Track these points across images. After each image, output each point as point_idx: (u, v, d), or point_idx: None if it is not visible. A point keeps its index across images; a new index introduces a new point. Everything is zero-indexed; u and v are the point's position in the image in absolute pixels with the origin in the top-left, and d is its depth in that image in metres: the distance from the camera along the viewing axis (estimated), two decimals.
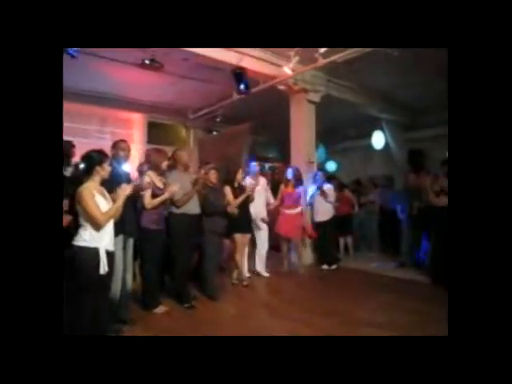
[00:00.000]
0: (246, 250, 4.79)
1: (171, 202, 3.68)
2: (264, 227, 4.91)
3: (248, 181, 4.70)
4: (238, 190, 4.52)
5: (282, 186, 5.12)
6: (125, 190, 2.49)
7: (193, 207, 3.79)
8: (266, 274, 5.01)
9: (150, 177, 3.37)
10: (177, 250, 3.69)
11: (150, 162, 3.58)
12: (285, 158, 7.84)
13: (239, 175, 4.52)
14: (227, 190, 4.33)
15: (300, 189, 5.17)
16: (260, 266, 5.03)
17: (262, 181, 5.06)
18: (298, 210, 5.08)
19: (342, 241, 6.50)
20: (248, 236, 4.57)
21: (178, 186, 3.53)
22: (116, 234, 2.58)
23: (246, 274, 4.85)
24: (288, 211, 5.06)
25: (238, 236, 4.43)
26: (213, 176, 4.05)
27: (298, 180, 5.29)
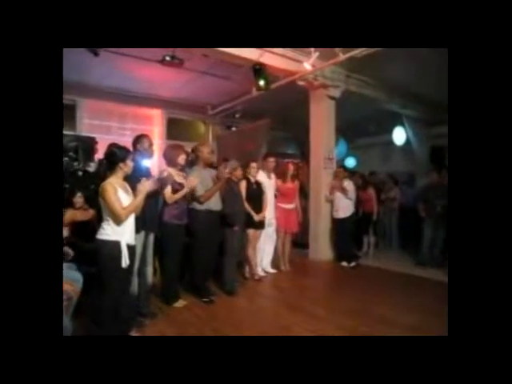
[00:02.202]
0: (259, 244, 4.84)
1: (194, 198, 3.71)
2: (273, 223, 4.96)
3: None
4: (255, 186, 4.59)
5: (280, 182, 5.12)
6: (145, 186, 2.50)
7: (215, 204, 3.81)
8: (272, 270, 5.03)
9: (169, 172, 3.38)
10: (199, 246, 3.71)
11: (166, 158, 3.57)
12: (304, 154, 7.82)
13: (252, 169, 4.58)
14: (242, 184, 4.39)
15: (296, 184, 5.22)
16: (266, 262, 5.05)
17: (273, 178, 5.09)
18: (294, 205, 5.16)
19: (365, 240, 6.40)
20: (261, 232, 4.63)
21: (198, 179, 3.57)
22: (137, 229, 2.59)
23: (259, 269, 4.89)
24: (286, 206, 5.10)
25: (250, 231, 4.47)
26: (238, 173, 4.20)
27: (295, 175, 5.36)
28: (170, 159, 3.60)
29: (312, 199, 6.10)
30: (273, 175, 5.06)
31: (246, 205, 4.39)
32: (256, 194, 4.53)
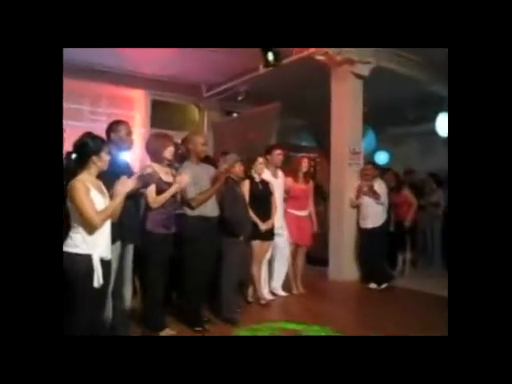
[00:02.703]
0: (266, 260, 4.85)
1: (184, 201, 3.74)
2: (284, 234, 4.96)
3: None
4: (261, 186, 4.62)
5: (290, 181, 5.12)
6: (125, 185, 2.51)
7: (211, 208, 3.83)
8: (283, 293, 5.11)
9: (154, 169, 3.39)
10: (190, 261, 3.73)
11: (150, 151, 3.60)
12: (322, 147, 7.82)
13: (258, 165, 4.62)
14: (245, 185, 4.45)
15: (310, 184, 5.27)
16: (276, 283, 5.13)
17: (281, 177, 5.06)
18: (308, 211, 5.21)
19: (401, 255, 6.37)
20: (268, 244, 4.69)
21: (189, 175, 3.60)
22: (113, 239, 2.61)
23: (266, 291, 4.88)
24: (298, 212, 5.14)
25: (256, 243, 4.51)
26: (239, 170, 4.24)
27: (310, 174, 5.43)
28: (154, 152, 3.61)
29: (332, 204, 6.11)
30: (280, 173, 5.09)
31: (250, 211, 4.41)
32: (262, 197, 4.62)
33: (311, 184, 5.30)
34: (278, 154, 4.96)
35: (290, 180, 5.11)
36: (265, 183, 4.67)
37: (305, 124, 9.41)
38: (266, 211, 4.58)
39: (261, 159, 4.66)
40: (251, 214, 4.40)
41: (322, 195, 6.96)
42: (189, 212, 3.76)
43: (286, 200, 5.12)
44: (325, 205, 6.67)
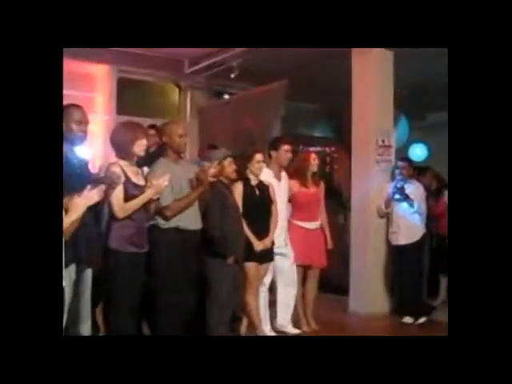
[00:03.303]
0: (265, 288, 4.87)
1: (157, 209, 3.75)
2: (288, 253, 4.99)
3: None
4: (258, 192, 4.66)
5: (296, 185, 5.13)
6: (87, 198, 2.59)
7: (191, 220, 3.87)
8: (293, 331, 5.03)
9: (121, 168, 3.39)
10: (163, 287, 3.76)
11: (115, 144, 3.67)
12: (341, 138, 7.83)
13: (256, 164, 4.64)
14: (237, 189, 4.52)
15: (321, 188, 5.38)
16: (283, 316, 5.06)
17: (285, 179, 5.11)
18: (319, 223, 5.28)
19: (443, 280, 6.33)
20: (267, 266, 4.73)
21: (167, 178, 3.61)
22: (66, 262, 2.60)
23: (266, 327, 4.82)
24: (307, 224, 5.20)
25: (250, 266, 4.51)
26: (230, 169, 4.31)
27: (319, 174, 5.50)
28: (121, 146, 3.64)
29: (355, 213, 6.14)
30: (283, 174, 5.14)
31: (244, 224, 4.45)
32: (260, 205, 4.64)
33: (322, 187, 5.38)
34: (285, 151, 5.02)
35: (294, 183, 5.19)
36: (264, 187, 4.73)
37: (318, 109, 9.40)
38: (264, 224, 4.62)
39: (259, 156, 4.68)
40: (245, 227, 4.42)
41: (340, 201, 6.96)
42: (162, 223, 3.79)
43: (290, 209, 5.19)
44: (344, 214, 6.66)
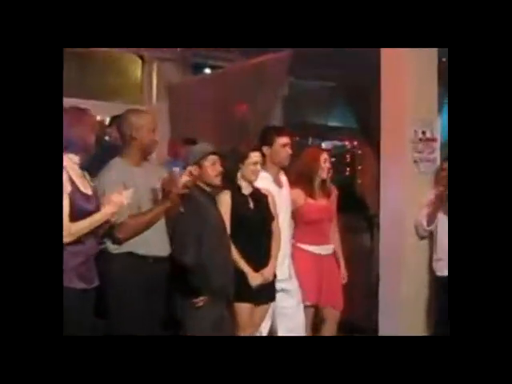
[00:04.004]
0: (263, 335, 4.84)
1: (107, 228, 3.76)
2: (294, 289, 5.02)
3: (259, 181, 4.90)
4: (252, 204, 4.70)
5: (300, 195, 5.11)
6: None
7: (154, 243, 3.91)
8: None
9: (66, 171, 3.46)
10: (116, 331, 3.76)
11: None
12: (366, 128, 7.88)
13: (251, 166, 4.64)
14: (223, 201, 4.59)
15: (333, 198, 5.48)
16: None
17: (286, 185, 5.20)
18: (331, 246, 5.40)
19: None
20: (266, 308, 4.75)
21: (130, 194, 3.60)
22: None
23: None
24: (316, 249, 5.27)
25: (242, 308, 4.53)
26: (213, 172, 4.36)
27: (332, 180, 5.57)
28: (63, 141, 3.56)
29: (384, 232, 6.09)
30: (284, 179, 5.23)
31: (233, 249, 4.48)
32: (254, 223, 4.69)
33: (334, 197, 5.48)
34: (282, 146, 5.01)
35: (298, 192, 5.25)
36: (260, 197, 4.78)
37: (335, 89, 9.30)
38: (261, 248, 4.67)
39: (255, 155, 4.70)
40: (234, 253, 4.45)
41: (364, 216, 6.93)
42: (112, 248, 3.83)
43: (292, 227, 5.27)
44: (371, 234, 6.64)
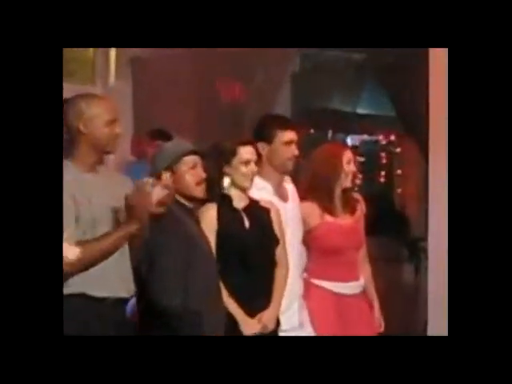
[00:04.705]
0: None
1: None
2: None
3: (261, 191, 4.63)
4: (247, 223, 4.45)
5: (314, 210, 4.92)
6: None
7: (112, 280, 3.77)
8: None
9: None
10: None
11: None
12: (407, 117, 7.73)
13: (242, 168, 4.40)
14: (209, 216, 4.44)
15: (361, 214, 5.39)
16: None
17: (293, 196, 4.92)
18: (359, 283, 5.26)
19: None
20: None
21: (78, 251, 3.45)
22: None
23: None
24: (338, 286, 5.15)
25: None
26: (193, 178, 4.17)
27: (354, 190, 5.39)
28: None
29: (434, 260, 6.05)
30: (290, 187, 5.07)
31: (221, 285, 4.29)
32: (251, 248, 4.45)
33: (362, 213, 5.38)
34: (285, 143, 4.77)
35: (311, 208, 5.06)
36: (259, 213, 4.56)
37: (364, 62, 9.32)
38: (260, 285, 4.45)
39: (247, 150, 4.45)
40: (223, 291, 4.30)
41: (406, 239, 6.85)
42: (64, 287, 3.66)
43: (305, 256, 5.11)
44: (416, 263, 6.57)
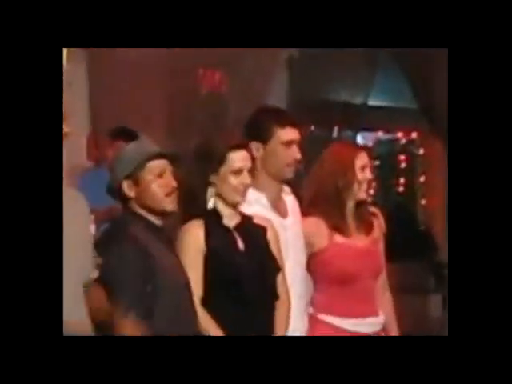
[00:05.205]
0: None
1: None
2: None
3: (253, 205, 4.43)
4: (242, 243, 4.32)
5: (321, 229, 4.79)
6: None
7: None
8: None
9: None
10: None
11: None
12: (431, 111, 7.71)
13: (231, 177, 4.24)
14: (190, 236, 4.33)
15: (379, 233, 5.29)
16: None
17: (294, 210, 4.81)
18: (380, 318, 5.16)
19: None
20: None
21: None
22: None
23: None
24: (352, 324, 5.03)
25: None
26: (160, 187, 4.06)
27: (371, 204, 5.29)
28: None
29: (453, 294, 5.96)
30: (290, 201, 4.98)
31: (208, 323, 4.29)
32: (244, 277, 4.32)
33: (380, 232, 5.30)
34: (286, 143, 4.67)
35: (317, 225, 4.93)
36: (254, 232, 4.43)
37: (381, 56, 9.44)
38: (255, 322, 4.37)
39: (240, 156, 4.33)
40: (210, 329, 4.29)
41: (433, 262, 6.83)
42: None
43: (311, 286, 5.05)
44: (444, 293, 6.54)
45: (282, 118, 4.88)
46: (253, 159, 4.55)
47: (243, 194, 4.42)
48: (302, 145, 4.85)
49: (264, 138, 4.74)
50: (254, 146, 4.64)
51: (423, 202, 7.65)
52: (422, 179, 8.01)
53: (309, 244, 4.90)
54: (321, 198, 4.99)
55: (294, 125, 4.82)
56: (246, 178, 4.37)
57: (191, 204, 4.35)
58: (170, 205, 4.04)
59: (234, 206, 4.43)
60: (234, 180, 4.34)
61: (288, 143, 4.74)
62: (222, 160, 4.34)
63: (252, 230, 4.49)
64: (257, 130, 4.80)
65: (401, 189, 7.98)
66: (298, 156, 4.75)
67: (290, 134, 4.76)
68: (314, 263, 4.93)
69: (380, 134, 8.28)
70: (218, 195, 4.38)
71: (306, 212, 4.94)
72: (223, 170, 4.33)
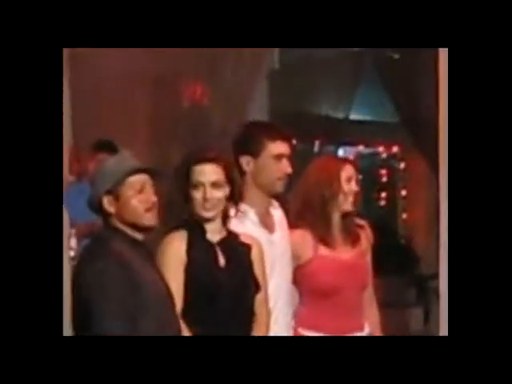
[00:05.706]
0: None
1: None
2: None
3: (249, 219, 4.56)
4: (224, 257, 4.29)
5: (307, 241, 4.77)
6: None
7: None
8: None
9: None
10: None
11: None
12: (414, 124, 7.75)
13: (212, 190, 4.16)
14: (172, 250, 4.31)
15: (366, 246, 5.35)
16: None
17: (282, 225, 4.78)
18: (366, 332, 5.26)
19: None
20: None
21: None
22: None
23: None
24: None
25: None
26: (140, 203, 3.99)
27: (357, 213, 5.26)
28: None
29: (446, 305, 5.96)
30: (278, 215, 4.98)
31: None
32: (224, 294, 4.28)
33: (367, 244, 5.37)
34: (276, 157, 4.72)
35: (303, 238, 5.00)
36: (237, 249, 4.44)
37: (363, 56, 9.46)
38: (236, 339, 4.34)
39: (211, 169, 4.22)
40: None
41: (415, 277, 6.82)
42: None
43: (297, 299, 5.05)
44: (426, 308, 6.56)
45: (273, 132, 4.94)
46: (243, 173, 4.69)
47: (214, 212, 4.39)
48: (292, 159, 4.90)
49: (254, 151, 4.79)
50: (245, 160, 4.74)
51: (404, 215, 7.65)
52: (403, 193, 8.01)
53: (295, 256, 4.96)
54: (307, 210, 5.06)
55: (284, 139, 4.89)
56: (219, 194, 4.35)
57: (172, 218, 4.37)
58: (150, 220, 4.03)
59: (225, 221, 4.44)
60: (217, 192, 4.30)
61: (278, 157, 4.80)
62: (202, 170, 4.33)
63: (236, 247, 4.48)
64: (247, 143, 4.86)
65: (382, 203, 8.02)
66: (289, 170, 4.81)
67: (280, 147, 4.82)
68: (299, 275, 4.98)
69: (361, 148, 8.27)
70: (201, 209, 4.30)
71: (292, 224, 5.01)
72: (205, 178, 4.30)
